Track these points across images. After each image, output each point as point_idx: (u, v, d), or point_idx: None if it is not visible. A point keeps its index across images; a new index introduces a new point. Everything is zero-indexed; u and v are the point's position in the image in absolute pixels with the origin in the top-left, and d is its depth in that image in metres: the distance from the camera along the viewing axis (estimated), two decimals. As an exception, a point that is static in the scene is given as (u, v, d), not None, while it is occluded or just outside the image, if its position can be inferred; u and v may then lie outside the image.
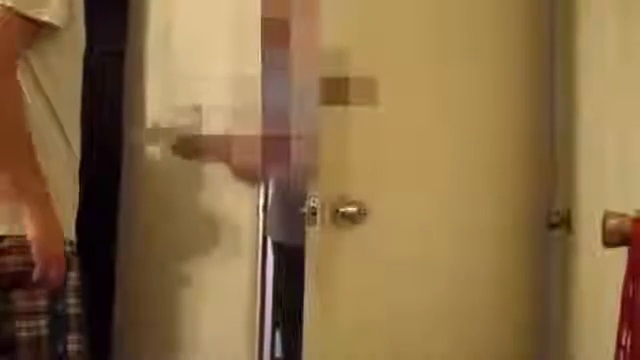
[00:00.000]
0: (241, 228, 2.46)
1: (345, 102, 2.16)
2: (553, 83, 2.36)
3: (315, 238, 2.13)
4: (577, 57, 2.26)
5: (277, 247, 2.85)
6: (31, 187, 1.91)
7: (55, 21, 1.95)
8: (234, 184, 2.46)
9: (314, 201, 2.12)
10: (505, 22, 2.35)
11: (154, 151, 2.56)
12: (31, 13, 1.91)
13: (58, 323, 1.98)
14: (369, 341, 2.20)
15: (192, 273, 2.49)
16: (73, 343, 2.00)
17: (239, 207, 2.47)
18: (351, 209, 2.15)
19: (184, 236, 2.52)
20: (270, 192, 2.95)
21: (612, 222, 1.72)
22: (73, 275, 2.02)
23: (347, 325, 2.17)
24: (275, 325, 3.09)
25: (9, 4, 1.88)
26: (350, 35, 2.15)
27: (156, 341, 2.55)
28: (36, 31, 1.93)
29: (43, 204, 1.92)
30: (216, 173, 2.47)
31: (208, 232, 2.48)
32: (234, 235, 2.47)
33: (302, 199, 2.16)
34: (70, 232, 2.06)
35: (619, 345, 1.72)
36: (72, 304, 2.01)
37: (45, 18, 1.93)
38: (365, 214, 2.15)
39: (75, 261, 2.04)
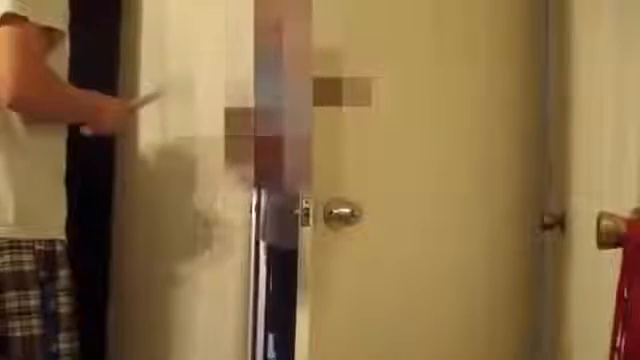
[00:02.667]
0: (234, 229, 2.46)
1: (338, 103, 2.15)
2: (547, 83, 2.36)
3: (308, 239, 2.12)
4: (572, 56, 2.25)
5: (270, 249, 2.84)
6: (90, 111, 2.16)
7: (64, 27, 1.97)
8: (227, 185, 2.45)
9: (307, 202, 2.11)
10: (499, 22, 2.35)
11: (148, 151, 2.55)
12: (45, 22, 1.93)
13: (50, 322, 1.98)
14: (362, 343, 2.20)
15: (185, 274, 2.48)
16: (65, 342, 2.01)
17: (232, 208, 2.47)
18: (344, 210, 2.14)
19: (177, 237, 2.51)
20: (263, 194, 2.94)
21: (606, 223, 1.71)
22: (64, 274, 2.03)
23: (340, 327, 2.17)
24: (268, 326, 3.08)
25: (23, 14, 1.88)
26: (343, 35, 2.14)
27: (149, 341, 2.54)
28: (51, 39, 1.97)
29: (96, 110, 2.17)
30: (209, 174, 2.47)
31: (201, 233, 2.47)
32: (227, 236, 2.46)
33: (295, 200, 2.16)
34: (61, 232, 2.06)
35: (613, 347, 1.71)
36: (63, 303, 2.02)
37: (57, 25, 1.95)
38: (358, 215, 2.15)
39: (66, 260, 2.04)
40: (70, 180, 2.14)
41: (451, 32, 2.29)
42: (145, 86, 2.54)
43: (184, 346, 2.48)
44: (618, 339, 1.70)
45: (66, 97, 2.06)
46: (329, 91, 2.14)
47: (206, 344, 2.45)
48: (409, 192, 2.25)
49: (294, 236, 2.17)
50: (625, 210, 1.74)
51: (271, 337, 3.14)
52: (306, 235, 2.12)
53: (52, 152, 2.08)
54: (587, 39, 2.18)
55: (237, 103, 2.44)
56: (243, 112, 2.42)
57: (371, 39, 2.19)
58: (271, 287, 3.07)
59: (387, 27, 2.22)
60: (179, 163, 2.49)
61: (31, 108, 1.97)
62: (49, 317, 2.00)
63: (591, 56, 2.16)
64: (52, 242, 2.03)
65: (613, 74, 2.01)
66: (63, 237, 2.06)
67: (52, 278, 2.02)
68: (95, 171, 2.59)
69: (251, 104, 2.43)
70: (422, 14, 2.27)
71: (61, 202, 2.09)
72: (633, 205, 1.75)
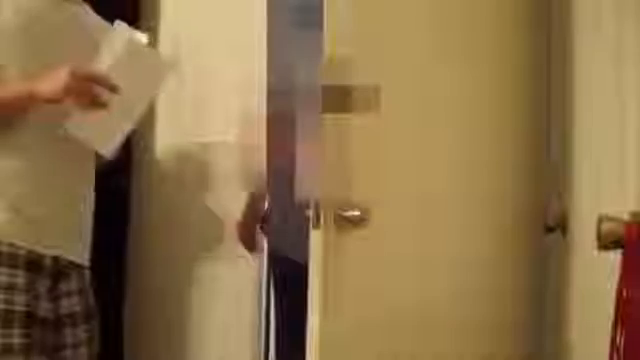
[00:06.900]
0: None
1: (348, 110, 2.15)
2: (549, 87, 2.37)
3: (318, 242, 2.12)
4: (575, 58, 2.26)
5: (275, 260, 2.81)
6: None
7: None
8: (242, 188, 2.47)
9: (317, 204, 2.12)
10: (504, 25, 2.35)
11: (165, 157, 2.59)
12: None
13: None
14: (373, 344, 2.20)
15: (200, 275, 2.50)
16: (6, 338, 2.04)
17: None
18: (354, 213, 2.14)
19: (192, 239, 2.54)
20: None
21: (606, 225, 1.74)
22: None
23: (351, 328, 2.17)
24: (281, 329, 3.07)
25: None
26: (353, 43, 2.15)
27: (165, 341, 2.57)
28: None
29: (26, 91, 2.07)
30: (225, 179, 2.50)
31: (215, 235, 2.50)
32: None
33: (304, 205, 2.17)
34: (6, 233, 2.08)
35: (613, 346, 1.75)
36: None
37: None
38: (368, 218, 2.15)
39: (8, 260, 2.06)
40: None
41: (458, 38, 2.29)
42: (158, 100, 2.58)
43: (200, 347, 2.50)
44: (618, 338, 1.73)
45: None
46: (339, 98, 2.14)
47: (220, 343, 2.46)
48: (417, 195, 2.25)
49: (303, 240, 2.17)
50: (625, 213, 1.77)
51: (284, 339, 3.14)
52: (317, 237, 2.12)
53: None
54: (588, 41, 2.18)
55: (250, 109, 2.46)
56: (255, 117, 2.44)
57: (381, 46, 2.20)
58: (281, 292, 3.06)
59: (397, 34, 2.23)
60: (195, 168, 2.50)
61: None
62: None
63: (593, 59, 2.16)
64: None
65: (614, 77, 2.03)
66: (13, 240, 2.08)
67: None
68: (113, 176, 2.62)
69: (263, 110, 2.46)
70: (431, 22, 2.28)
71: (5, 202, 2.08)
72: (633, 208, 1.78)
